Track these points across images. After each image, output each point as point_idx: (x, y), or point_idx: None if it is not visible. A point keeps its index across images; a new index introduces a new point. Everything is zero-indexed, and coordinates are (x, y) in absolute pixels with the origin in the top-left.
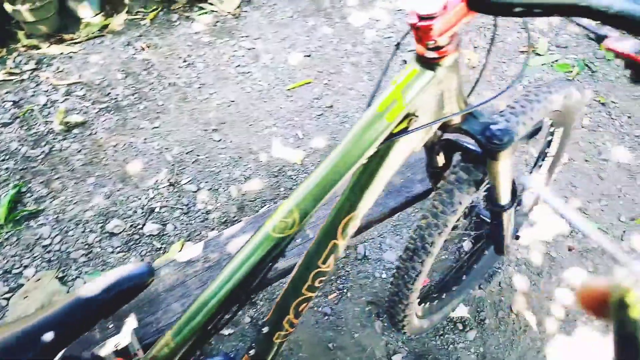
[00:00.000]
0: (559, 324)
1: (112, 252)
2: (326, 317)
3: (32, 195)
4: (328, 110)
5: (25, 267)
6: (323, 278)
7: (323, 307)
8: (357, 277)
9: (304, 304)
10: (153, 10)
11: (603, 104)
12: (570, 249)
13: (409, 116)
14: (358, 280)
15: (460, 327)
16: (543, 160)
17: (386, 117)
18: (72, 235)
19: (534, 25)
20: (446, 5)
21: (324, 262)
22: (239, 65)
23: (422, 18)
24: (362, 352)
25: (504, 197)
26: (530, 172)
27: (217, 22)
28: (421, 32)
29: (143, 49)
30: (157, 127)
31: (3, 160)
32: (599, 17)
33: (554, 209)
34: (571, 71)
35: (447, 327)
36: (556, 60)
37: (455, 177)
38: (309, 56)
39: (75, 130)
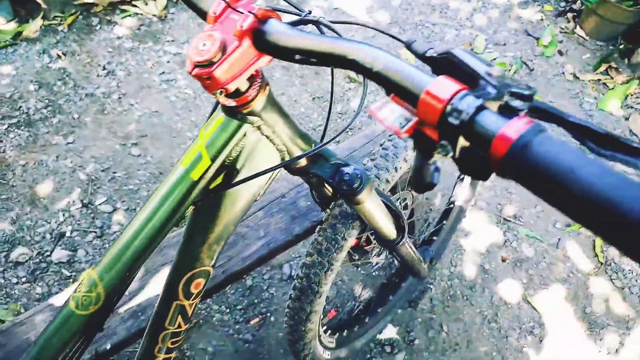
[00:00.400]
0: (491, 342)
1: (17, 283)
2: (247, 345)
3: None
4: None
5: None
6: (176, 339)
7: (244, 333)
8: (282, 299)
9: None
10: (72, 14)
11: None
12: (503, 260)
13: (225, 169)
14: (283, 302)
15: (389, 350)
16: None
17: (192, 175)
18: None
19: (472, 22)
20: (225, 49)
21: (170, 324)
22: (163, 72)
23: (198, 66)
24: None
25: (389, 234)
26: (454, 187)
27: (142, 25)
28: (204, 81)
29: (59, 57)
30: (71, 143)
31: None
32: (365, 72)
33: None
34: (509, 70)
35: (375, 351)
36: (494, 59)
37: (339, 210)
38: None
39: None
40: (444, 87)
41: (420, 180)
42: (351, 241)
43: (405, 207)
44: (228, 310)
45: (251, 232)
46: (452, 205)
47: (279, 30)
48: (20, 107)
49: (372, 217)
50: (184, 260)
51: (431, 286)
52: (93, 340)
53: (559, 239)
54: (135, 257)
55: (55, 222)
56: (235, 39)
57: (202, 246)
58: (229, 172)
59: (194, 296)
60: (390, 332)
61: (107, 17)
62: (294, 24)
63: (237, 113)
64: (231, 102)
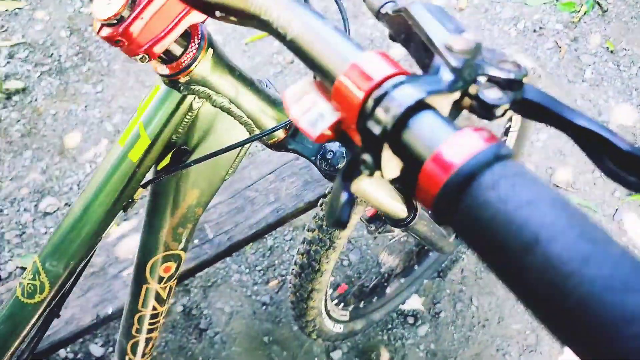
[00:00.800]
0: (525, 319)
1: (45, 233)
2: (264, 307)
3: None
4: (288, 67)
5: None
6: (154, 320)
7: (262, 295)
8: None
9: (143, 345)
10: None
11: (612, 52)
12: None
13: (172, 148)
14: None
15: (412, 321)
16: (506, 136)
17: (130, 156)
18: (7, 215)
19: None
20: (130, 3)
21: (143, 306)
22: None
23: (105, 24)
24: (299, 347)
25: (397, 213)
26: None
27: None
28: (117, 44)
29: (90, 1)
30: (99, 92)
31: None
32: (281, 40)
33: None
34: (577, 11)
35: (397, 321)
36: None
37: None
38: None
39: (16, 97)
40: (369, 68)
41: (330, 209)
42: (357, 218)
43: None
44: (247, 270)
45: (260, 197)
46: None
47: None
48: (52, 54)
49: (369, 197)
50: (146, 244)
51: (463, 256)
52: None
53: (617, 209)
54: (78, 245)
55: (83, 174)
56: None
57: (162, 230)
58: (178, 152)
59: (165, 280)
60: (414, 302)
61: None
62: None
63: (176, 82)
64: (164, 69)
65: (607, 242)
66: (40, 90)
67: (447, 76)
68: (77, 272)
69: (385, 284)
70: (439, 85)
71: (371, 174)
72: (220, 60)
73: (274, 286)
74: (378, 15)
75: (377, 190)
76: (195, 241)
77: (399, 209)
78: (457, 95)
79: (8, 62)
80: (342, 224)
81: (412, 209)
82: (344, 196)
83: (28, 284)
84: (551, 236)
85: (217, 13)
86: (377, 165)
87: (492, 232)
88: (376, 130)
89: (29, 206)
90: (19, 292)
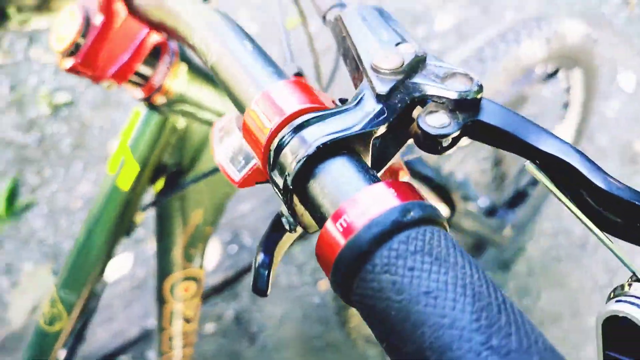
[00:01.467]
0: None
1: None
2: (315, 309)
3: (27, 186)
4: (329, 54)
5: (23, 261)
6: (185, 337)
7: (312, 296)
8: None
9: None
10: None
11: None
12: None
13: (165, 171)
14: None
15: None
16: (565, 109)
17: (119, 184)
18: (63, 226)
19: None
20: (88, 26)
21: (170, 324)
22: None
23: (65, 56)
24: (351, 349)
25: None
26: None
27: None
28: (80, 73)
29: None
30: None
31: (3, 150)
32: (204, 62)
33: None
34: None
35: None
36: None
37: None
38: None
39: (64, 111)
40: (277, 101)
41: (254, 273)
42: None
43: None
44: (296, 271)
45: None
46: None
47: None
48: None
49: None
50: (161, 266)
51: (528, 245)
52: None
53: None
54: (86, 274)
55: None
56: (99, 11)
57: (173, 251)
58: (173, 173)
59: (187, 298)
60: None
61: None
62: None
63: (154, 104)
64: (138, 92)
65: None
66: (85, 102)
67: (370, 106)
68: (92, 299)
69: None
70: (356, 122)
71: (292, 230)
72: (198, 74)
73: (323, 287)
74: (324, 20)
75: None
76: (234, 247)
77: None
78: (382, 129)
79: (56, 77)
80: (260, 292)
81: (451, 206)
82: (260, 258)
83: (48, 312)
84: (447, 344)
85: (163, 33)
86: (294, 218)
87: (385, 327)
88: (278, 180)
89: (83, 216)
90: (42, 321)
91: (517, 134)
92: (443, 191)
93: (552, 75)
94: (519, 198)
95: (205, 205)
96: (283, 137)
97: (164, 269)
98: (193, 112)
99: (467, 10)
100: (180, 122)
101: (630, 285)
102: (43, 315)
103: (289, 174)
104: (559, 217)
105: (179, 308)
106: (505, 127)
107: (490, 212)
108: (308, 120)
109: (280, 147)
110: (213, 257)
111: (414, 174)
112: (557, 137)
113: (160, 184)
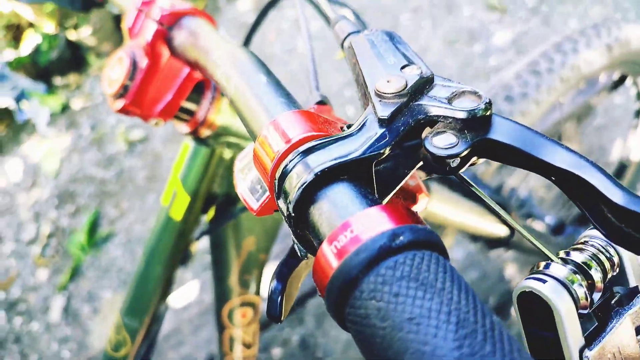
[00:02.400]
0: None
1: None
2: None
3: (107, 218)
4: None
5: (104, 289)
6: None
7: None
8: None
9: None
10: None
11: None
12: None
13: (215, 200)
14: None
15: None
16: (638, 118)
17: (172, 214)
18: (140, 255)
19: None
20: (135, 69)
21: (230, 350)
22: (283, 42)
23: (115, 98)
24: None
25: (492, 232)
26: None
27: None
28: (129, 113)
29: None
30: None
31: (86, 185)
32: (227, 97)
33: None
34: None
35: None
36: None
37: None
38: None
39: (139, 146)
40: (284, 128)
41: (267, 300)
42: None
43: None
44: None
45: None
46: (626, 163)
47: (185, 35)
48: None
49: (450, 221)
50: (218, 293)
51: None
52: None
53: None
54: (147, 302)
55: None
56: (144, 55)
57: (228, 278)
58: (223, 202)
59: (244, 324)
60: None
61: None
62: (270, 4)
63: (200, 137)
64: (184, 127)
65: None
66: (158, 137)
67: (372, 130)
68: (154, 325)
69: (510, 303)
70: (356, 147)
71: (303, 257)
72: None
73: None
74: (342, 48)
75: (458, 211)
76: None
77: (493, 227)
78: (385, 153)
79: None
80: (273, 318)
81: (510, 225)
82: (272, 284)
83: (114, 338)
84: None
85: (198, 70)
86: (302, 245)
87: (372, 353)
88: (283, 207)
89: None
90: (108, 347)
91: (529, 151)
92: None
93: (619, 82)
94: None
95: (257, 232)
96: (287, 164)
97: (221, 296)
98: (238, 143)
99: (526, 23)
100: (227, 153)
101: (546, 265)
102: (109, 342)
103: (290, 201)
104: None
105: (238, 334)
106: (516, 144)
107: (558, 229)
108: (311, 147)
109: (284, 175)
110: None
111: (469, 193)
112: (572, 152)
113: (211, 213)
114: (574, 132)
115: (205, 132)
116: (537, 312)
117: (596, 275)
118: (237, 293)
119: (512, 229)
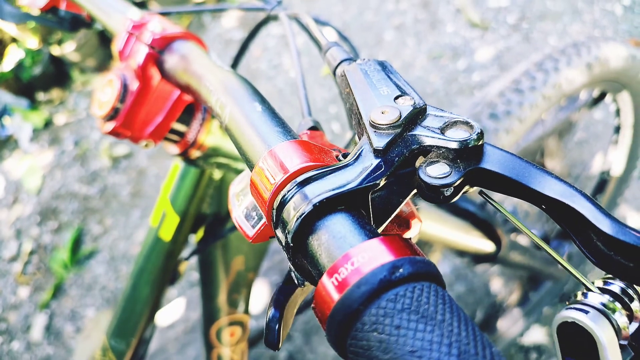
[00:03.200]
0: None
1: None
2: None
3: (90, 234)
4: None
5: (87, 307)
6: None
7: None
8: None
9: None
10: (187, 14)
11: None
12: None
13: (204, 221)
14: None
15: (535, 356)
16: (617, 134)
17: (161, 235)
18: (123, 272)
19: None
20: (126, 92)
21: None
22: (269, 59)
23: (105, 120)
24: None
25: (479, 248)
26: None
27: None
28: (119, 135)
29: None
30: None
31: (69, 202)
32: (221, 124)
33: None
34: None
35: (517, 357)
36: None
37: None
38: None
39: (123, 162)
40: (281, 160)
41: (265, 328)
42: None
43: None
44: None
45: None
46: (607, 178)
47: (176, 59)
48: None
49: (441, 238)
50: (206, 312)
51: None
52: None
53: None
54: (135, 324)
55: None
56: (135, 78)
57: (217, 298)
58: (212, 222)
59: (233, 343)
60: (536, 334)
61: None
62: (259, 25)
63: (190, 158)
64: (174, 149)
65: None
66: (143, 153)
67: (368, 161)
68: (141, 346)
69: (496, 316)
70: (353, 177)
71: (300, 285)
72: (229, 124)
73: None
74: (334, 76)
75: (445, 228)
76: None
77: (481, 243)
78: (381, 183)
79: None
80: (272, 345)
81: (497, 241)
82: (270, 313)
83: (102, 358)
84: None
85: (189, 94)
86: (300, 274)
87: None
88: (281, 236)
89: None
90: None
91: (520, 180)
92: (487, 226)
93: (599, 99)
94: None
95: (246, 252)
96: (285, 194)
97: (209, 315)
98: (227, 164)
99: (507, 40)
100: (217, 174)
101: (584, 294)
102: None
103: (289, 231)
104: None
105: (226, 353)
106: (507, 174)
107: (547, 239)
108: (308, 178)
109: (282, 204)
110: (263, 300)
111: (456, 210)
112: (562, 181)
113: (200, 233)
114: (556, 147)
115: (195, 153)
116: (578, 342)
117: (635, 304)
118: (225, 312)
119: (499, 244)
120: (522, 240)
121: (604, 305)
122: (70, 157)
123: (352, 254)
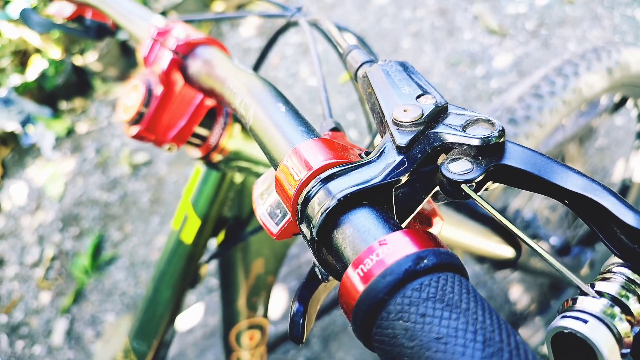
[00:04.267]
0: None
1: None
2: None
3: (110, 241)
4: None
5: (107, 312)
6: None
7: None
8: None
9: None
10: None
11: None
12: None
13: (225, 224)
14: None
15: None
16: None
17: (183, 238)
18: (143, 278)
19: None
20: (150, 97)
21: None
22: (287, 67)
23: (130, 124)
24: None
25: (499, 254)
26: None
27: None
28: (144, 139)
29: None
30: None
31: (90, 209)
32: (245, 125)
33: None
34: None
35: None
36: None
37: None
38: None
39: (143, 169)
40: (305, 157)
41: (290, 322)
42: None
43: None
44: None
45: None
46: (628, 184)
47: (199, 64)
48: None
49: (457, 242)
50: (226, 315)
51: None
52: None
53: None
54: (156, 326)
55: None
56: (159, 82)
57: (237, 301)
58: (233, 225)
59: (252, 347)
60: None
61: (234, 21)
62: (280, 31)
63: (212, 162)
64: (196, 152)
65: None
66: (162, 160)
67: (391, 157)
68: (162, 348)
69: (516, 325)
70: (377, 173)
71: (324, 279)
72: (250, 130)
73: None
74: (356, 78)
75: (465, 233)
76: None
77: (501, 249)
78: (404, 179)
79: None
80: (296, 339)
81: (517, 247)
82: (294, 307)
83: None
84: None
85: (213, 98)
86: (325, 268)
87: None
88: (306, 231)
89: None
90: None
91: (542, 175)
92: (506, 232)
93: (620, 104)
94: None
95: (266, 255)
96: (309, 190)
97: (229, 319)
98: (249, 167)
99: (525, 46)
100: (238, 177)
101: (575, 300)
102: None
103: (314, 226)
104: None
105: (245, 357)
106: (530, 169)
107: (564, 250)
108: (332, 174)
109: (307, 200)
110: (281, 305)
111: (475, 215)
112: (583, 176)
113: (221, 236)
114: (576, 153)
115: (216, 157)
116: (575, 352)
117: (635, 306)
118: (245, 316)
119: (519, 250)
120: (543, 246)
121: (602, 312)
122: (92, 165)
123: (376, 246)
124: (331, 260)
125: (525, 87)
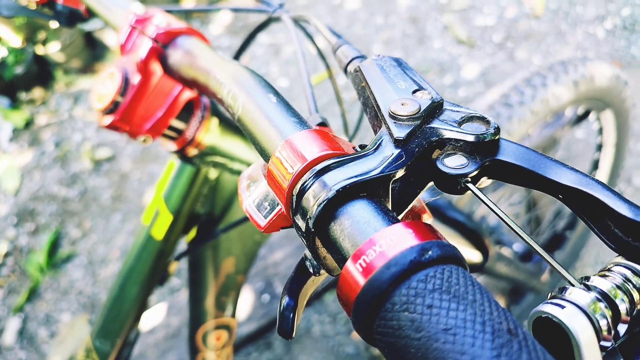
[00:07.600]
0: None
1: None
2: (349, 359)
3: (68, 238)
4: (356, 104)
5: (62, 311)
6: None
7: (346, 346)
8: None
9: None
10: None
11: None
12: None
13: (197, 220)
14: None
15: None
16: (599, 152)
17: (153, 233)
18: (102, 277)
19: None
20: (127, 86)
21: None
22: (257, 68)
23: (104, 114)
24: None
25: (467, 258)
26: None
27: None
28: (117, 129)
29: None
30: None
31: (47, 204)
32: (232, 116)
33: None
34: None
35: None
36: None
37: None
38: None
39: (105, 165)
40: (299, 148)
41: (279, 316)
42: None
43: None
44: (329, 320)
45: None
46: None
47: (180, 54)
48: None
49: None
50: (193, 314)
51: None
52: None
53: None
54: (121, 324)
55: None
56: (137, 71)
57: (205, 300)
58: (205, 223)
59: (219, 347)
60: None
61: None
62: (261, 27)
63: (187, 156)
64: (171, 146)
65: None
66: (126, 156)
67: (389, 150)
68: (126, 348)
69: None
70: (375, 166)
71: (316, 273)
72: (229, 127)
73: (357, 336)
74: (346, 72)
75: None
76: (267, 296)
77: (469, 253)
78: (401, 172)
79: (99, 133)
80: (285, 334)
81: (484, 251)
82: (285, 301)
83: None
84: None
85: (195, 89)
86: (318, 262)
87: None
88: (301, 223)
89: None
90: None
91: (536, 170)
92: (475, 236)
93: (583, 117)
94: (556, 242)
95: (237, 254)
96: (305, 182)
97: (196, 318)
98: (224, 163)
99: (492, 57)
100: (212, 173)
101: (563, 289)
102: None
103: (310, 217)
104: (602, 261)
105: (211, 357)
106: (524, 165)
107: (526, 257)
108: (329, 165)
109: (302, 192)
110: (246, 306)
111: (445, 219)
112: (576, 171)
113: (192, 233)
114: None
115: (192, 151)
116: (555, 340)
117: (622, 305)
118: (212, 315)
119: (487, 255)
120: (505, 252)
121: (586, 303)
122: (50, 159)
123: (377, 238)
124: (325, 253)
125: (495, 95)
